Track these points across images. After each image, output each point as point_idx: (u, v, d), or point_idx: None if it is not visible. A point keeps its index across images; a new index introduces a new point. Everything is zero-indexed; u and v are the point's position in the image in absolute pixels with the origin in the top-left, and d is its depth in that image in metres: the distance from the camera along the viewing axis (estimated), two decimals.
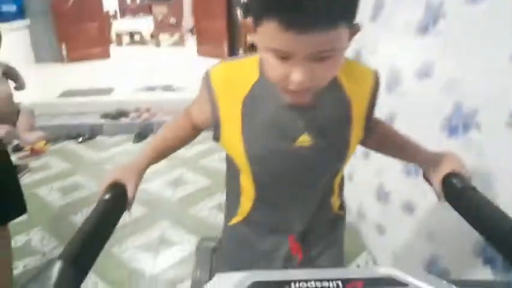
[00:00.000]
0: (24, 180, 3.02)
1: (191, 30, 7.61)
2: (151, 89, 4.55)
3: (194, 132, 0.94)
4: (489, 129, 1.09)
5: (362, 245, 2.14)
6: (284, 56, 0.62)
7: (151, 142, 0.92)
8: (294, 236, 0.91)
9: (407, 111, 1.60)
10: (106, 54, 6.34)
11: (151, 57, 6.63)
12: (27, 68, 5.63)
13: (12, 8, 5.42)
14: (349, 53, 2.30)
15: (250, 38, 0.68)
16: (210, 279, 0.55)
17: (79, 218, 2.47)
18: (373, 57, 1.98)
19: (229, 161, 0.91)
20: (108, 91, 4.52)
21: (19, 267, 2.05)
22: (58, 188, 2.90)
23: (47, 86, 5.00)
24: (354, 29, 0.65)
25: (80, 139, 3.73)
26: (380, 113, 1.80)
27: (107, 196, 0.75)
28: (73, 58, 5.99)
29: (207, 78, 0.81)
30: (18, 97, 4.21)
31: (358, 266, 2.00)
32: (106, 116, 3.97)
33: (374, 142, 0.97)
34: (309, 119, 0.78)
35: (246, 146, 0.80)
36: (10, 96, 1.45)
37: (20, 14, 5.58)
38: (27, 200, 2.67)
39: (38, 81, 5.33)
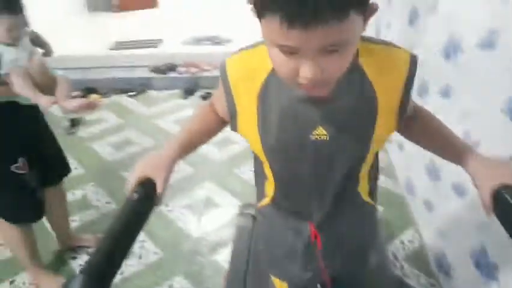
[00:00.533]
0: (80, 133, 3.19)
1: None
2: (199, 40, 4.51)
3: (220, 123, 0.92)
4: None
5: (410, 219, 2.08)
6: (290, 52, 0.58)
7: (178, 135, 0.90)
8: (313, 224, 0.89)
9: (465, 86, 1.46)
10: (154, 3, 6.31)
11: (199, 4, 6.49)
12: (80, 18, 5.78)
13: None
14: (405, 9, 2.11)
15: None
16: (250, 246, 0.54)
17: None
18: (431, 17, 1.80)
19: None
20: (156, 42, 4.53)
21: (76, 220, 2.22)
22: (111, 143, 3.04)
23: (98, 37, 5.10)
24: (368, 12, 0.59)
25: (132, 93, 3.82)
26: (434, 83, 1.69)
27: (135, 195, 0.74)
28: (123, 7, 6.02)
29: (222, 70, 0.79)
30: (72, 49, 4.35)
31: (402, 243, 1.97)
32: (155, 69, 4.01)
33: (412, 134, 0.90)
34: (326, 111, 0.73)
35: (262, 138, 0.79)
36: (44, 64, 1.48)
37: None
38: (83, 153, 2.86)
39: (89, 32, 5.46)
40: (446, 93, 1.59)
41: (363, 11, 0.57)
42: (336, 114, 0.74)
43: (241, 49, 0.81)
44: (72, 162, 2.75)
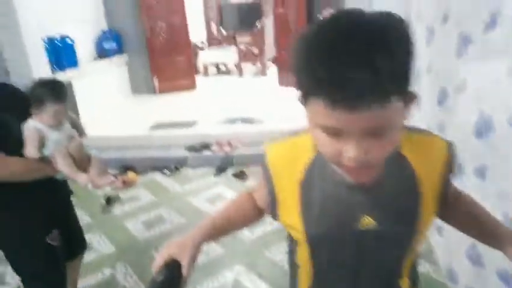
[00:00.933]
0: (115, 211, 3.26)
1: (273, 60, 7.73)
2: (232, 121, 4.68)
3: (257, 213, 0.91)
4: None
5: None
6: (334, 133, 0.60)
7: (211, 217, 0.89)
8: None
9: (501, 164, 1.41)
10: (192, 85, 6.70)
11: (233, 87, 6.85)
12: (125, 99, 6.21)
13: (112, 45, 6.01)
14: (434, 90, 2.14)
15: None
16: None
17: None
18: (460, 96, 1.80)
19: (290, 241, 0.88)
20: (192, 123, 4.74)
21: None
22: (143, 220, 3.07)
23: (139, 118, 5.42)
24: (409, 99, 0.61)
25: (167, 171, 3.93)
26: (468, 163, 1.64)
27: (160, 277, 0.74)
28: (163, 90, 6.43)
29: (263, 158, 0.81)
30: (115, 129, 4.62)
31: None
32: (190, 148, 4.15)
33: (453, 220, 0.87)
34: (372, 198, 0.73)
35: (306, 227, 0.77)
36: (81, 145, 1.62)
37: (120, 50, 6.17)
38: (115, 231, 2.89)
39: (131, 113, 5.82)
40: (481, 173, 1.54)
41: (403, 97, 0.59)
42: (383, 202, 0.73)
43: (281, 138, 0.82)
44: (104, 240, 2.80)
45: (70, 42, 4.79)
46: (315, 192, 0.75)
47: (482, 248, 1.55)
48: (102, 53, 5.87)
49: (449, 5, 1.94)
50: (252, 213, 0.91)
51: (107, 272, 2.44)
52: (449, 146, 0.77)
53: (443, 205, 0.79)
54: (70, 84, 4.57)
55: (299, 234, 0.79)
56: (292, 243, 0.87)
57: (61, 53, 4.68)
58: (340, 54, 0.54)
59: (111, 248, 2.71)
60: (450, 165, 0.77)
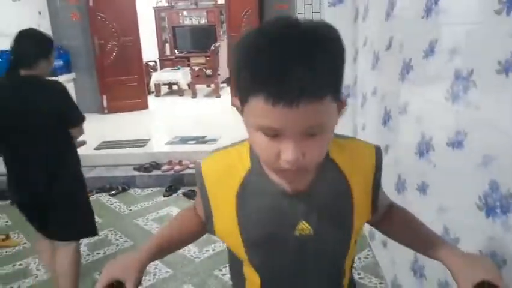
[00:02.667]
0: None
1: (226, 81, 7.80)
2: (185, 140, 4.63)
3: (202, 226, 0.88)
4: None
5: None
6: (273, 135, 0.61)
7: (156, 235, 0.87)
8: None
9: (440, 182, 1.49)
10: (144, 105, 6.57)
11: (186, 108, 6.80)
12: None
13: (59, 62, 5.79)
14: (379, 112, 2.24)
15: None
16: None
17: None
18: (403, 118, 1.90)
19: (231, 253, 0.87)
20: (143, 142, 4.62)
21: None
22: (86, 243, 2.91)
23: (86, 137, 5.19)
24: (341, 103, 0.65)
25: (113, 192, 3.78)
26: (411, 180, 1.72)
27: None
28: (112, 109, 6.24)
29: (197, 171, 0.80)
30: None
31: None
32: (138, 168, 4.03)
33: (387, 228, 0.91)
34: (307, 205, 0.75)
35: (244, 237, 0.77)
36: None
37: (67, 68, 5.95)
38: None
39: None
40: (423, 189, 1.62)
41: (336, 98, 0.62)
42: (317, 207, 0.75)
43: (217, 149, 0.82)
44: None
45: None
46: (251, 202, 0.76)
47: (425, 259, 1.61)
48: None
49: (393, 33, 2.07)
50: (195, 228, 0.89)
51: None
52: (377, 150, 0.81)
53: (376, 210, 0.83)
54: None
55: (237, 247, 0.79)
56: (235, 259, 0.86)
57: (1, 68, 4.42)
58: (281, 50, 0.56)
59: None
60: (378, 169, 0.80)
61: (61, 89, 1.94)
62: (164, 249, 0.85)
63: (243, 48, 0.61)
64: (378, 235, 2.30)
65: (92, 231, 2.18)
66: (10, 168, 1.94)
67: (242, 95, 0.63)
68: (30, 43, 1.89)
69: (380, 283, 2.24)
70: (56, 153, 1.95)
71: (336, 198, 0.77)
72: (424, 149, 1.62)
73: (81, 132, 2.10)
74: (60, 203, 1.98)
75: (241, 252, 0.80)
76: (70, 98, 1.98)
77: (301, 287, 0.82)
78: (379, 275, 2.26)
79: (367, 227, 2.10)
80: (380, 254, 2.27)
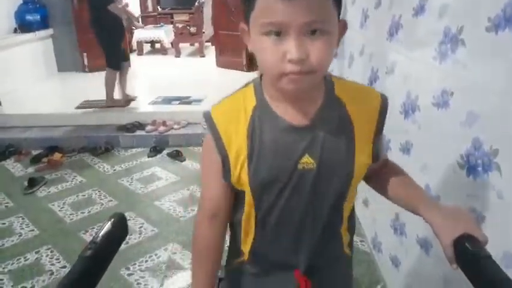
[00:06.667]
0: (40, 194, 3.04)
1: (211, 41, 7.60)
2: (168, 100, 4.55)
3: (223, 227, 0.89)
4: (510, 172, 1.00)
5: (378, 276, 2.04)
6: (278, 32, 0.65)
7: (199, 272, 0.90)
8: (300, 270, 0.86)
9: (424, 142, 1.51)
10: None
11: (170, 67, 6.63)
12: (50, 77, 5.77)
13: (36, 17, 5.53)
14: (366, 72, 2.23)
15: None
16: None
17: (88, 237, 2.45)
18: (390, 78, 1.89)
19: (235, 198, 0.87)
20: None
21: (27, 287, 2.04)
22: (71, 203, 2.90)
23: (67, 96, 5.07)
24: (342, 23, 0.71)
25: (96, 151, 3.74)
26: (395, 140, 1.73)
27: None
28: (93, 68, 6.04)
29: (208, 117, 0.80)
30: (39, 109, 4.29)
31: None
32: (121, 128, 3.98)
33: (380, 182, 0.91)
34: (310, 139, 0.76)
35: (251, 173, 0.78)
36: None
37: (44, 23, 5.69)
38: (39, 214, 2.71)
39: (58, 91, 5.43)
40: (407, 149, 1.63)
41: (337, 7, 0.67)
42: (320, 142, 0.77)
43: (222, 98, 0.83)
44: (26, 223, 2.61)
45: None
46: (259, 136, 0.77)
47: (405, 217, 1.66)
48: (24, 26, 5.38)
49: None
50: (220, 234, 0.89)
51: (30, 256, 2.28)
52: (383, 96, 0.82)
53: (376, 157, 0.83)
54: None
55: (244, 182, 0.79)
56: (237, 205, 0.87)
57: None
58: None
59: (35, 231, 2.53)
60: (382, 114, 0.81)
61: None
62: (213, 273, 0.89)
63: None
64: (360, 195, 2.34)
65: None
66: None
67: (248, 2, 0.67)
68: None
69: (361, 241, 2.30)
70: None
71: (339, 134, 0.77)
72: (410, 108, 1.63)
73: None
74: None
75: (246, 190, 0.80)
76: None
77: (297, 228, 0.82)
78: (360, 233, 2.32)
79: None
80: (361, 213, 2.32)
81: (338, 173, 0.79)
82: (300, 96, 0.75)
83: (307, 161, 0.76)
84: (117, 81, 4.25)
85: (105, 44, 4.10)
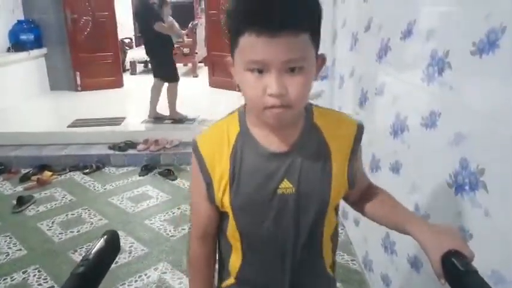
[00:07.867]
0: (29, 213, 3.00)
1: (204, 61, 7.68)
2: (161, 119, 4.56)
3: (214, 248, 0.95)
4: (497, 191, 1.02)
5: None
6: (260, 69, 0.69)
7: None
8: None
9: (413, 161, 1.53)
10: (119, 83, 6.42)
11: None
12: (42, 96, 5.76)
13: (30, 37, 5.57)
14: (356, 93, 2.27)
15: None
16: None
17: (77, 257, 2.42)
18: (379, 99, 1.93)
19: (221, 220, 0.90)
20: (118, 121, 4.54)
21: None
22: (59, 222, 2.87)
23: (59, 115, 5.07)
24: (320, 59, 0.75)
25: (87, 170, 3.72)
26: (384, 160, 1.76)
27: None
28: (86, 87, 6.07)
29: (195, 147, 0.84)
30: (31, 127, 4.27)
31: None
32: (113, 147, 3.97)
33: (364, 205, 0.93)
34: (289, 165, 0.80)
35: (232, 196, 0.82)
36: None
37: (38, 43, 5.73)
38: (28, 233, 2.67)
39: (50, 110, 5.42)
40: (396, 169, 1.66)
41: (314, 39, 0.71)
42: (298, 167, 0.80)
43: (209, 127, 0.88)
44: (15, 243, 2.57)
45: None
46: (240, 162, 0.81)
47: (396, 236, 1.67)
48: (17, 45, 5.40)
49: (372, 14, 2.08)
50: (210, 252, 0.94)
51: (17, 276, 2.24)
52: (359, 124, 0.86)
53: (351, 182, 0.86)
54: None
55: (226, 205, 0.83)
56: (223, 226, 0.89)
57: None
58: None
59: (23, 251, 2.49)
60: (357, 141, 0.85)
61: None
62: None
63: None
64: (351, 214, 2.35)
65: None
66: None
67: (233, 40, 0.71)
68: None
69: (352, 260, 2.30)
70: None
71: (316, 159, 0.81)
72: (399, 129, 1.66)
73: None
74: None
75: (229, 214, 0.84)
76: None
77: (280, 250, 0.85)
78: (351, 252, 2.32)
79: (340, 207, 2.15)
80: (352, 232, 2.33)
81: (316, 195, 0.82)
82: (280, 126, 0.79)
83: (286, 186, 0.80)
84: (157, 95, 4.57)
85: (162, 61, 4.40)
